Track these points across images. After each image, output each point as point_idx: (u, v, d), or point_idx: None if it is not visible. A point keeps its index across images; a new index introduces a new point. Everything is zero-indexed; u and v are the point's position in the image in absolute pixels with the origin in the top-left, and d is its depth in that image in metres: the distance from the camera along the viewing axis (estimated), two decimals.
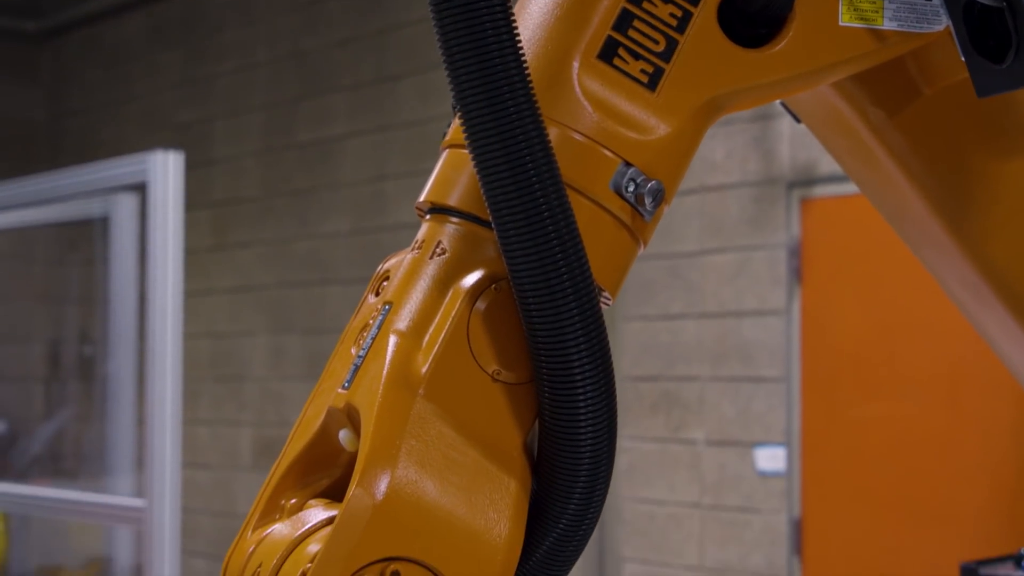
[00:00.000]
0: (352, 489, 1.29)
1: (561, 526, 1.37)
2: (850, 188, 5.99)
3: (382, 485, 1.29)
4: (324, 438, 1.42)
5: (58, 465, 8.41)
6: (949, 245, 1.71)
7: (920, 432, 5.71)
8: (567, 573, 1.41)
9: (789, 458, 6.07)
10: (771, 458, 6.12)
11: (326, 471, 1.44)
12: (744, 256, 6.28)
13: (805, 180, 6.16)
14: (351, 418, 1.38)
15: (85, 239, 7.68)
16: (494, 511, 1.33)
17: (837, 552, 5.94)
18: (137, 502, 4.95)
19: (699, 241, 6.44)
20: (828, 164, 6.08)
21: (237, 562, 1.41)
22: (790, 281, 6.12)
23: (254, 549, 1.39)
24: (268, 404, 8.76)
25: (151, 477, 4.78)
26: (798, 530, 6.05)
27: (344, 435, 1.40)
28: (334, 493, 1.43)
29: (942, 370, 5.65)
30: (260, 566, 1.35)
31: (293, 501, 1.42)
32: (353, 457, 1.40)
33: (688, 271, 6.47)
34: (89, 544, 8.10)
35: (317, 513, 1.37)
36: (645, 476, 6.58)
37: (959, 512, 5.58)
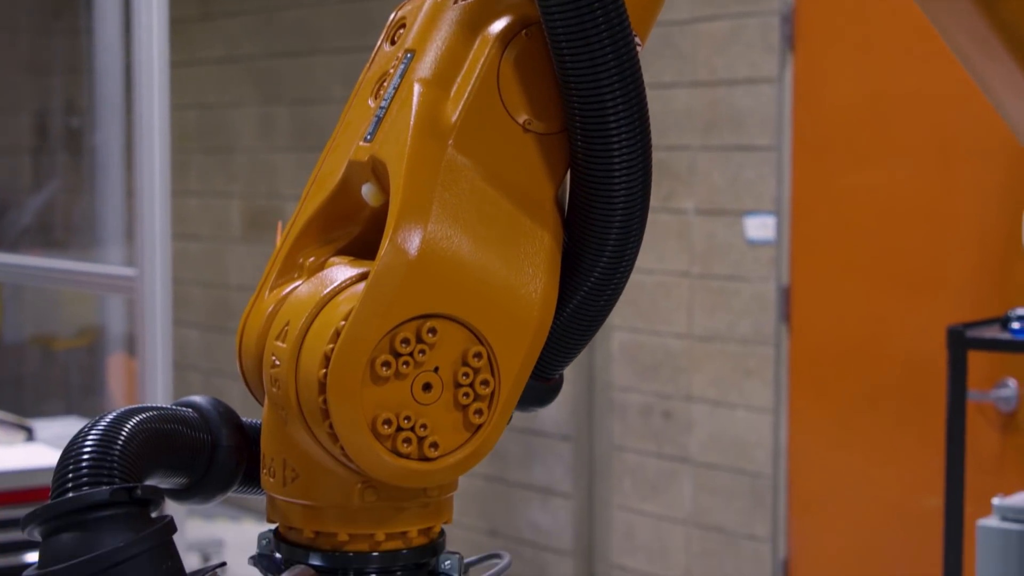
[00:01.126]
0: (385, 245, 1.27)
1: (594, 278, 1.36)
2: None
3: (416, 240, 1.27)
4: (344, 193, 1.39)
5: (48, 236, 8.42)
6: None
7: (910, 199, 5.72)
8: (600, 325, 1.40)
9: (779, 227, 6.09)
10: (761, 227, 6.14)
11: (346, 227, 1.42)
12: (737, 23, 6.21)
13: None
14: (375, 171, 1.35)
15: (69, 7, 7.58)
16: (529, 265, 1.32)
17: (825, 319, 6.00)
18: (128, 271, 4.96)
19: (691, 9, 6.37)
20: None
21: (255, 322, 1.39)
22: (783, 49, 6.06)
23: (276, 308, 1.37)
24: (258, 175, 8.75)
25: (141, 246, 4.79)
26: (786, 298, 6.10)
27: (367, 189, 1.37)
28: (355, 250, 1.41)
29: (933, 137, 5.64)
30: (287, 324, 1.32)
31: (312, 259, 1.40)
32: (376, 212, 1.38)
33: (680, 39, 6.40)
34: (82, 314, 8.14)
35: (344, 270, 1.35)
36: None
37: (947, 278, 5.62)
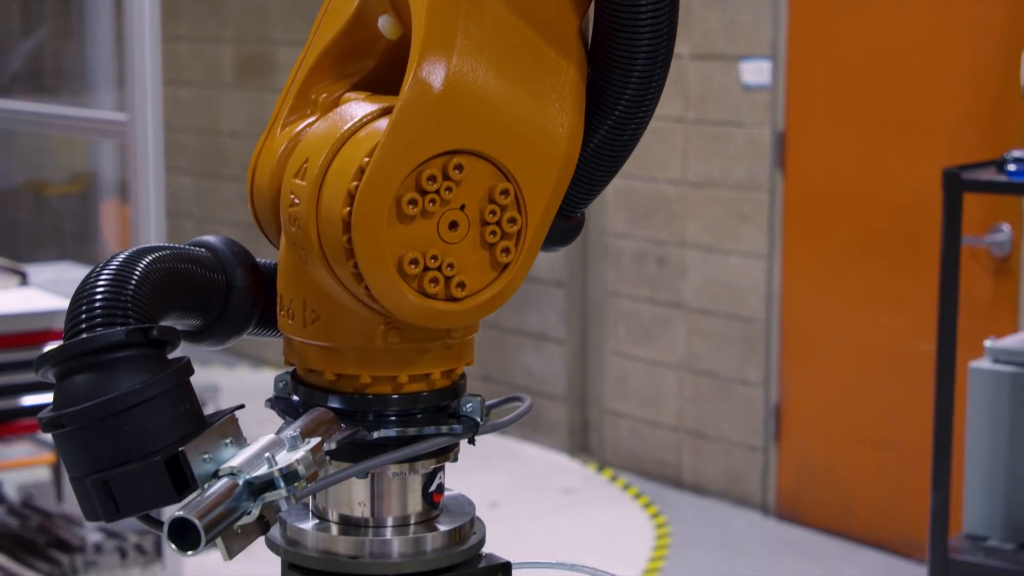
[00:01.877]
0: (409, 79, 1.23)
1: (618, 111, 1.34)
2: None
3: (441, 73, 1.23)
4: (359, 25, 1.35)
5: (38, 82, 8.34)
6: None
7: (907, 43, 5.67)
8: (624, 160, 1.38)
9: (774, 71, 6.05)
10: (756, 71, 6.09)
11: (361, 62, 1.37)
12: None
13: None
14: (393, 2, 1.31)
15: None
16: (556, 99, 1.29)
17: (819, 164, 5.98)
18: (119, 116, 4.92)
19: None
20: None
21: (268, 160, 1.36)
22: None
23: (290, 145, 1.34)
24: (249, 20, 8.64)
25: (132, 92, 4.73)
26: (781, 143, 6.07)
27: (385, 21, 1.33)
28: (370, 85, 1.37)
29: None
30: (306, 162, 1.29)
31: (325, 95, 1.36)
32: (392, 45, 1.34)
33: None
34: (74, 160, 8.11)
35: (362, 106, 1.31)
36: None
37: (943, 121, 5.59)
